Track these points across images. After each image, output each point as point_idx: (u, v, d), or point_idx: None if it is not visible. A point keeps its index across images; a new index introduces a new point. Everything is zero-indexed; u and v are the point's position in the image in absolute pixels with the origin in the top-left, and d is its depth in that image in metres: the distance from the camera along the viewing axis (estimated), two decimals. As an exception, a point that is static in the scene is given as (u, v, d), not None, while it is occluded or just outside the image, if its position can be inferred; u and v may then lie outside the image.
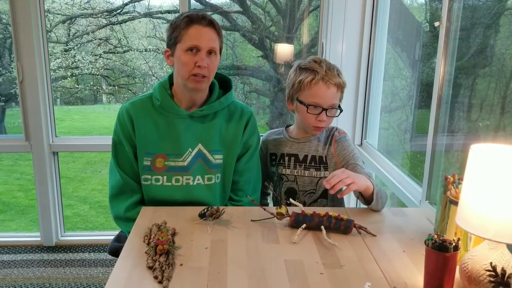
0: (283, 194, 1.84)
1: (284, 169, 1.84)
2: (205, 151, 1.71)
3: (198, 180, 1.72)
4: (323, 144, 1.81)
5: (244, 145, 1.77)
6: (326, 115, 1.72)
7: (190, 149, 1.70)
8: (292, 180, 1.83)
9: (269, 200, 2.05)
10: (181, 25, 1.60)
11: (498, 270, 0.99)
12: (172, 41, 1.63)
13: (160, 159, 1.69)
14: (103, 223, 5.57)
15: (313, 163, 1.80)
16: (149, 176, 1.70)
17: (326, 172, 1.79)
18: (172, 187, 1.71)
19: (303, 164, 1.81)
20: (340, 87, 1.73)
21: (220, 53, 1.68)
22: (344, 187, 1.49)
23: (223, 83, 1.80)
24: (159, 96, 1.70)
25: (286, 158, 1.84)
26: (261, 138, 1.92)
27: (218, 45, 1.64)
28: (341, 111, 1.76)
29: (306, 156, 1.81)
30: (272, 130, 1.96)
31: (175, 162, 1.70)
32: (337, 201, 1.82)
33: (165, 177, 1.70)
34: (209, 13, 5.33)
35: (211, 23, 1.61)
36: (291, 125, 1.91)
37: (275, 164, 1.87)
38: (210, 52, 1.62)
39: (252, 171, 1.80)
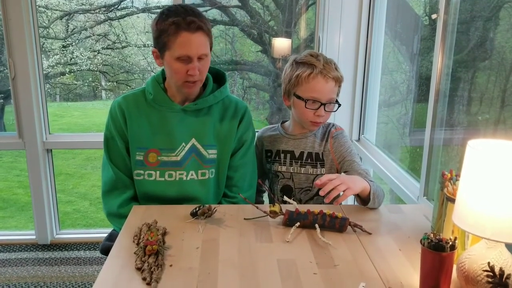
0: (278, 192, 1.81)
1: (279, 166, 1.81)
2: (198, 146, 1.68)
3: (192, 175, 1.68)
4: (319, 140, 1.78)
5: (238, 140, 1.74)
6: (325, 110, 1.68)
7: (183, 143, 1.67)
8: (288, 178, 1.79)
9: (265, 197, 2.02)
10: (168, 31, 1.52)
11: (496, 270, 0.96)
12: (160, 46, 1.56)
13: (153, 153, 1.67)
14: (103, 219, 5.53)
15: (309, 160, 1.77)
16: (141, 171, 1.68)
17: (323, 169, 1.75)
18: (165, 182, 1.68)
19: (299, 161, 1.78)
20: (338, 81, 1.70)
21: (211, 49, 1.62)
22: (341, 193, 1.45)
23: (217, 77, 1.76)
24: (152, 90, 1.68)
25: (282, 155, 1.81)
26: (257, 134, 1.88)
27: (209, 46, 1.58)
28: (339, 105, 1.72)
29: (302, 153, 1.78)
30: (268, 126, 1.93)
31: (168, 156, 1.67)
32: (333, 199, 1.79)
33: (158, 172, 1.67)
34: (207, 8, 5.31)
35: (200, 28, 1.53)
36: (287, 121, 1.88)
37: (270, 161, 1.84)
38: (200, 57, 1.56)
39: (247, 166, 1.77)
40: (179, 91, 1.66)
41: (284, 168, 1.80)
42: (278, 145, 1.82)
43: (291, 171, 1.79)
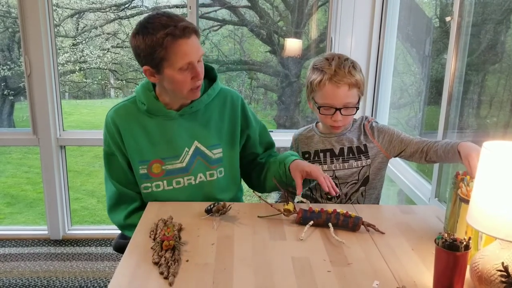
0: (322, 190, 1.78)
1: (320, 166, 1.77)
2: (202, 148, 1.65)
3: (200, 178, 1.66)
4: (356, 134, 1.77)
5: (248, 130, 1.75)
6: (341, 114, 1.66)
7: (186, 148, 1.63)
8: (330, 175, 1.73)
9: (296, 199, 1.97)
10: (164, 43, 1.43)
11: (510, 270, 0.97)
12: (156, 61, 1.47)
13: (157, 164, 1.61)
14: (111, 217, 5.57)
15: (350, 154, 1.75)
16: (148, 184, 1.63)
17: (368, 160, 1.74)
18: (174, 190, 1.64)
19: (341, 157, 1.76)
20: (353, 85, 1.65)
21: None
22: None
23: (206, 73, 1.64)
24: (144, 100, 1.60)
25: (321, 155, 1.79)
26: (292, 136, 1.88)
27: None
28: (357, 109, 1.70)
29: (342, 149, 1.76)
30: (301, 128, 1.91)
31: (173, 164, 1.62)
32: (374, 188, 1.78)
33: (165, 181, 1.63)
34: (217, 8, 5.33)
35: (194, 31, 1.48)
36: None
37: (309, 162, 1.79)
38: (199, 59, 1.52)
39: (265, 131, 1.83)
40: (179, 100, 1.60)
41: (325, 167, 1.77)
42: (315, 145, 1.80)
43: (333, 168, 1.77)
